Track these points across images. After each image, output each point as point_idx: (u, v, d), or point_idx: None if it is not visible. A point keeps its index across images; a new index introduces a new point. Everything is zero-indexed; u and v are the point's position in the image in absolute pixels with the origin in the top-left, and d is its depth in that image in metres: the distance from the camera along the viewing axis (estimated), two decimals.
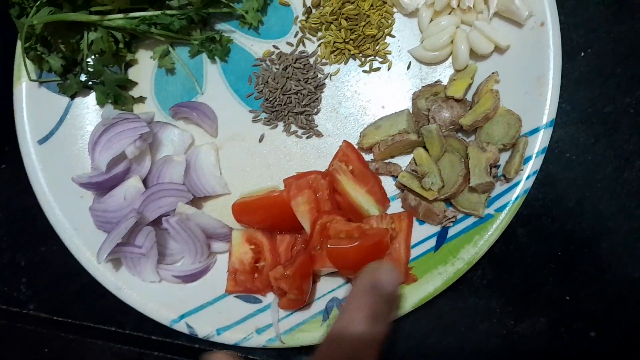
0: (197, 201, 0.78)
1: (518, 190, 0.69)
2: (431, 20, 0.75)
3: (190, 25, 0.79)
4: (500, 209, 0.70)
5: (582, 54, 0.76)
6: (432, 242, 0.71)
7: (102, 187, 0.75)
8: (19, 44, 0.79)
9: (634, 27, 0.76)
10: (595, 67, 0.76)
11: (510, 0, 0.71)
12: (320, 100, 0.79)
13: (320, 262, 0.68)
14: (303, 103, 0.78)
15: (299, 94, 0.78)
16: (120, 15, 0.77)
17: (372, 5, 0.76)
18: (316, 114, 0.79)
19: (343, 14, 0.77)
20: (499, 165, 0.71)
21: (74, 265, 0.78)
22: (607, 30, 0.76)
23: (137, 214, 0.71)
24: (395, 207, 0.75)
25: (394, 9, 0.77)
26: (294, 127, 0.79)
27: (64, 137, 0.80)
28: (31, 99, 0.80)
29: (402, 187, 0.74)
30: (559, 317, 0.73)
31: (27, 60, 0.78)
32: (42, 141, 0.79)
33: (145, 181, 0.76)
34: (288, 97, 0.78)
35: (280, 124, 0.79)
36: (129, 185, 0.75)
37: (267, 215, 0.73)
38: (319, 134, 0.78)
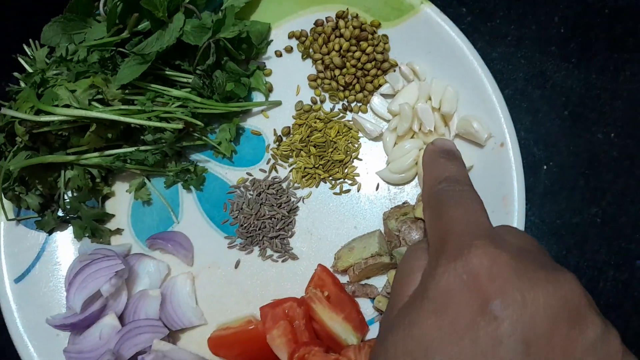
0: (173, 334, 0.77)
1: None
2: (395, 144, 0.78)
3: (165, 159, 0.82)
4: None
5: (545, 167, 0.79)
6: None
7: (77, 327, 0.74)
8: None
9: (590, 140, 0.79)
10: (558, 179, 0.78)
11: (468, 123, 0.74)
12: (294, 224, 0.80)
13: None
14: (277, 227, 0.79)
15: (273, 219, 0.80)
16: (96, 154, 0.79)
17: (338, 132, 0.80)
18: (291, 237, 0.80)
19: (312, 142, 0.80)
20: None
21: None
22: (565, 144, 0.79)
23: (112, 355, 0.70)
24: (375, 330, 0.74)
25: (360, 134, 0.80)
26: (269, 251, 0.79)
27: (40, 274, 0.80)
28: (8, 238, 0.80)
29: (380, 311, 0.73)
30: None
31: (5, 200, 0.80)
32: (18, 280, 0.79)
33: (121, 316, 0.76)
34: (262, 222, 0.80)
35: (256, 249, 0.80)
36: (105, 324, 0.74)
37: (244, 349, 0.72)
38: (294, 257, 0.79)
